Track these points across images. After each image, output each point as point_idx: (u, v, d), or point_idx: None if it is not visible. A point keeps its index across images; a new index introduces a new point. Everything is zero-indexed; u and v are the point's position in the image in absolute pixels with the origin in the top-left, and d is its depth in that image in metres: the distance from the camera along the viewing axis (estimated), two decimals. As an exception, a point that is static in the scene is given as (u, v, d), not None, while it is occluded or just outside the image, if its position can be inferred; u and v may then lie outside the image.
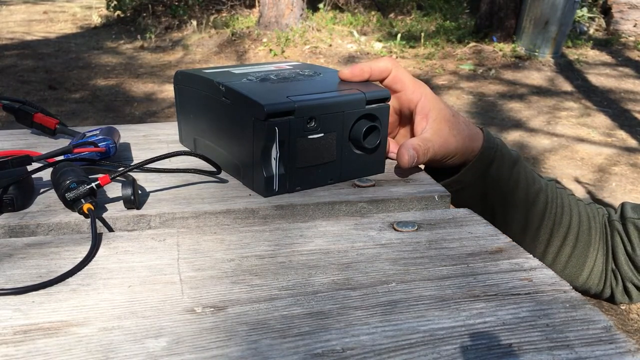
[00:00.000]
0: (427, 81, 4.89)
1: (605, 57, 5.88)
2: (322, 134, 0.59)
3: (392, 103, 0.68)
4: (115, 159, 0.67)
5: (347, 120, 0.61)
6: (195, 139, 0.70)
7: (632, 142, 3.85)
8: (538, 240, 0.74)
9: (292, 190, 0.60)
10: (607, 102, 4.59)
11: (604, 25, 6.67)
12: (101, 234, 0.50)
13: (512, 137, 3.87)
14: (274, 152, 0.57)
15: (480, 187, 0.72)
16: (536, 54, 5.64)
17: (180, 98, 0.72)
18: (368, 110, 0.62)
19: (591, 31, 6.54)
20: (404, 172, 0.66)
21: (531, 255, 0.48)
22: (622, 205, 0.79)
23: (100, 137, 0.65)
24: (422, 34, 6.26)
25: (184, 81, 0.69)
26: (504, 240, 0.51)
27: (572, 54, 5.88)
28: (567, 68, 5.48)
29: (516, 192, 0.73)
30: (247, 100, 0.57)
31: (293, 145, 0.58)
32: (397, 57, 5.68)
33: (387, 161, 0.69)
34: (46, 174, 0.60)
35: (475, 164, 0.70)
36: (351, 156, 0.63)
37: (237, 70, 0.68)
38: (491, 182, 0.71)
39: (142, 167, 0.59)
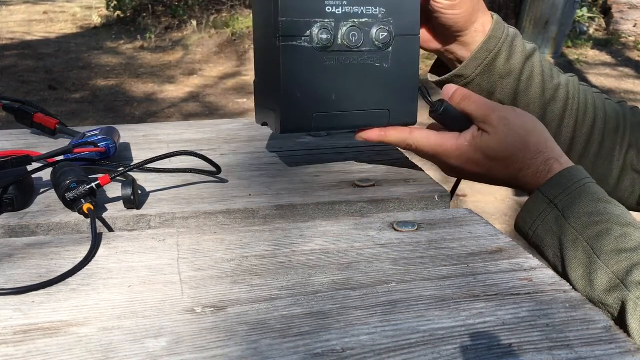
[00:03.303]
0: (428, 81, 4.88)
1: (605, 57, 5.88)
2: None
3: None
4: (115, 159, 0.67)
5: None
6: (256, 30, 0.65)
7: (632, 142, 3.85)
8: (560, 140, 0.70)
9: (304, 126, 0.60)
10: (607, 102, 4.59)
11: (604, 25, 6.67)
12: (101, 234, 0.50)
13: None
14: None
15: (487, 82, 0.68)
16: (536, 54, 5.63)
17: None
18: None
19: (591, 31, 6.54)
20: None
21: (531, 255, 0.48)
22: None
23: (100, 137, 0.65)
24: (422, 34, 6.25)
25: None
26: (504, 240, 0.51)
27: (572, 54, 5.88)
28: (567, 68, 5.48)
29: (530, 88, 0.69)
30: (279, 92, 0.57)
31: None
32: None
33: (387, 161, 0.69)
34: (46, 174, 0.60)
35: (477, 55, 0.66)
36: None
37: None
38: (499, 77, 0.67)
39: (142, 167, 0.59)
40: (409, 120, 0.63)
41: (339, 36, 0.58)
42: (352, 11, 0.58)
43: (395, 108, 0.62)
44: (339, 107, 0.59)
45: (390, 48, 0.60)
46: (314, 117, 0.58)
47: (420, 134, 0.62)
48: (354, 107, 0.60)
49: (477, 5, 0.66)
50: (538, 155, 0.60)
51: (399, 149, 0.73)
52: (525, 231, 0.59)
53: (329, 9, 0.57)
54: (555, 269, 0.57)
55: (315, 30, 0.57)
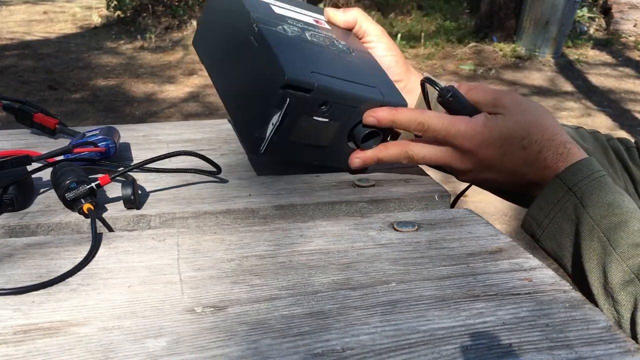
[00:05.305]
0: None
1: (606, 57, 5.88)
2: (327, 120, 0.59)
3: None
4: (115, 159, 0.66)
5: (356, 116, 0.60)
6: (207, 51, 0.68)
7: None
8: None
9: (275, 157, 0.60)
10: (608, 102, 4.59)
11: (604, 25, 6.67)
12: (101, 234, 0.50)
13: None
14: (275, 118, 0.56)
15: None
16: (536, 54, 5.63)
17: (211, 2, 0.69)
18: None
19: (591, 31, 6.54)
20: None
21: (531, 255, 0.48)
22: None
23: (100, 137, 0.65)
24: (422, 34, 6.26)
25: None
26: (504, 240, 0.51)
27: (573, 54, 5.88)
28: (567, 68, 5.48)
29: None
30: (272, 57, 0.56)
31: (296, 119, 0.57)
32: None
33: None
34: (46, 174, 0.60)
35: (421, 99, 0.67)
36: (342, 147, 0.63)
37: (277, 9, 0.66)
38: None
39: (142, 167, 0.59)
40: (401, 102, 0.63)
41: (307, 34, 0.63)
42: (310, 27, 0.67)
43: (384, 90, 0.63)
44: (332, 71, 0.59)
45: (354, 53, 0.66)
46: (312, 74, 0.56)
47: (433, 113, 0.60)
48: (346, 76, 0.60)
49: (405, 62, 0.74)
50: (555, 136, 0.59)
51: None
52: (541, 220, 0.58)
53: (290, 21, 0.64)
54: (572, 259, 0.56)
55: (284, 26, 0.61)
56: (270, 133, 0.57)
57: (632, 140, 0.77)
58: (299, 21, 0.66)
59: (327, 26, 0.70)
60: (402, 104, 0.63)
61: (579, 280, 0.56)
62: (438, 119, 0.59)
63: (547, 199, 0.57)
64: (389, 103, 0.61)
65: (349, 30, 0.73)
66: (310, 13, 0.71)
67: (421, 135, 0.62)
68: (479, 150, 0.59)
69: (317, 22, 0.69)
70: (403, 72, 0.73)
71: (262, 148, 0.58)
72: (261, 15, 0.61)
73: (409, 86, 0.73)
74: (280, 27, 0.61)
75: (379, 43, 0.72)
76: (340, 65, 0.62)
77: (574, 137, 0.73)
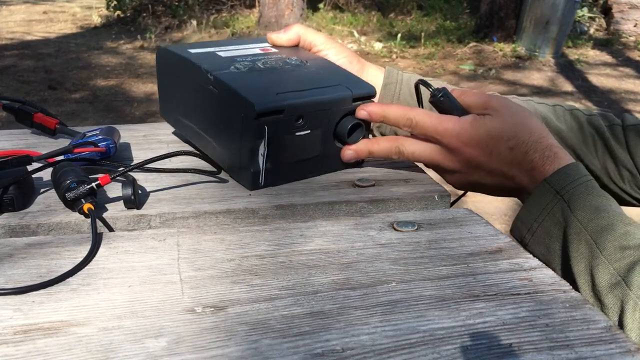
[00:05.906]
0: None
1: (606, 57, 5.88)
2: (308, 131, 0.60)
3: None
4: (115, 159, 0.67)
5: (333, 117, 0.62)
6: (177, 117, 0.70)
7: (632, 142, 3.83)
8: None
9: (277, 184, 0.61)
10: (608, 102, 4.59)
11: (604, 25, 6.67)
12: (101, 233, 0.50)
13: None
14: (262, 149, 0.58)
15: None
16: (536, 54, 5.63)
17: (162, 73, 0.71)
18: (354, 107, 0.63)
19: (591, 31, 6.54)
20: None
21: (531, 255, 0.48)
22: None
23: (100, 137, 0.65)
24: (423, 34, 6.26)
25: (169, 59, 0.69)
26: (504, 240, 0.51)
27: (573, 54, 5.88)
28: (567, 68, 5.48)
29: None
30: (237, 96, 0.57)
31: (280, 142, 0.59)
32: (397, 57, 5.68)
33: (386, 161, 0.69)
34: (46, 174, 0.60)
35: (386, 90, 0.72)
36: (333, 150, 0.64)
37: (223, 53, 0.68)
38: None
39: (142, 167, 0.59)
40: (369, 90, 0.65)
41: (259, 64, 0.65)
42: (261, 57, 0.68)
43: (349, 84, 0.64)
44: (295, 86, 0.61)
45: (308, 63, 0.68)
46: (278, 95, 0.58)
47: (421, 110, 0.62)
48: (309, 85, 0.62)
49: (359, 59, 0.76)
50: (542, 139, 0.60)
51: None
52: (530, 224, 0.58)
53: (239, 59, 0.66)
54: (561, 263, 0.56)
55: (235, 65, 0.63)
56: (263, 163, 0.59)
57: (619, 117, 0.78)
58: (247, 55, 0.68)
59: (274, 50, 0.72)
60: (370, 90, 0.65)
61: (568, 283, 0.56)
62: (427, 116, 0.61)
63: (536, 203, 0.58)
64: (358, 94, 0.63)
65: (295, 47, 0.75)
66: (254, 45, 0.73)
67: (411, 132, 0.63)
68: (465, 149, 0.60)
69: (263, 50, 0.72)
70: (359, 70, 0.75)
71: (261, 180, 0.60)
72: (211, 64, 0.63)
73: (368, 80, 0.74)
74: (232, 67, 0.63)
75: (328, 50, 0.74)
76: (300, 77, 0.64)
77: (548, 117, 0.74)
